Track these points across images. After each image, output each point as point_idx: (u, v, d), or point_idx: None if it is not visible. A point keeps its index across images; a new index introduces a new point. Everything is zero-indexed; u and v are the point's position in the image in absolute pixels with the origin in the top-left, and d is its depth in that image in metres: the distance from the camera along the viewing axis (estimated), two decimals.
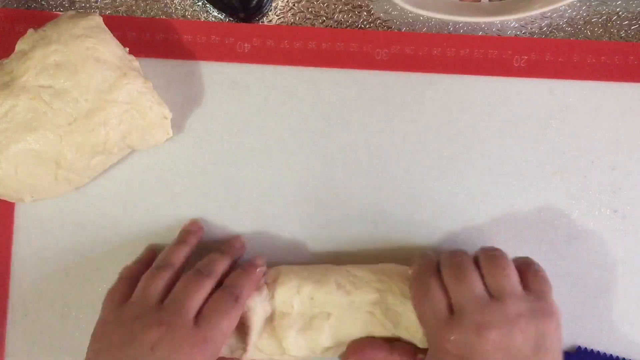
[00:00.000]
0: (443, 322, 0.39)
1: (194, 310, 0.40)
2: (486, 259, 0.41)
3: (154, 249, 0.47)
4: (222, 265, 0.43)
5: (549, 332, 0.38)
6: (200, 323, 0.39)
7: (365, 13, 0.51)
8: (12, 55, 0.44)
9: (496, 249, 0.42)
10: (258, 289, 0.43)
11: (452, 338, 0.38)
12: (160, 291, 0.41)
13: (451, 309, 0.39)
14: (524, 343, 0.37)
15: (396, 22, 0.50)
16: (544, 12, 0.50)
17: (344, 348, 0.43)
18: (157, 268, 0.42)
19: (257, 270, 0.43)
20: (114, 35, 0.46)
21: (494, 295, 0.39)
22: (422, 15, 0.50)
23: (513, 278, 0.40)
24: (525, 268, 0.41)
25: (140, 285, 0.41)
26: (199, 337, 0.38)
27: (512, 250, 0.48)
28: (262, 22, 0.51)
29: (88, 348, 0.40)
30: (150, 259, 0.45)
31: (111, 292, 0.42)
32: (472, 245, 0.48)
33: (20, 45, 0.44)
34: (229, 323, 0.40)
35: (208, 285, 0.41)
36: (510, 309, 0.38)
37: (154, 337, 0.38)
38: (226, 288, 0.41)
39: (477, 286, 0.39)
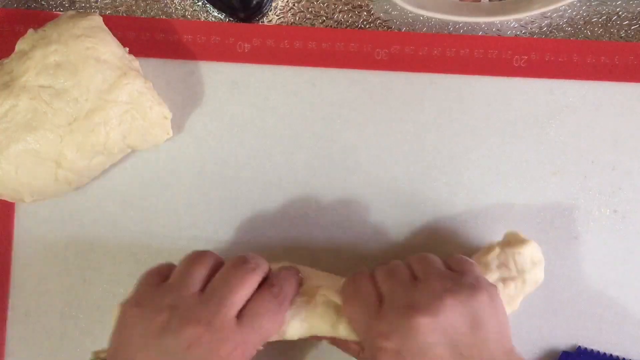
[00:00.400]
0: (373, 315, 0.37)
1: (237, 307, 0.37)
2: (415, 258, 0.40)
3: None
4: (267, 264, 0.40)
5: (481, 306, 0.36)
6: (244, 323, 0.36)
7: (365, 13, 0.51)
8: (12, 55, 0.44)
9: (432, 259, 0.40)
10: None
11: (382, 328, 0.36)
12: (202, 278, 0.37)
13: (381, 302, 0.37)
14: (457, 320, 0.35)
15: (396, 22, 0.50)
16: (544, 12, 0.50)
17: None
18: (200, 253, 0.39)
19: (300, 276, 0.41)
20: (114, 35, 0.46)
21: (419, 278, 0.38)
22: (422, 15, 0.50)
23: (437, 262, 0.39)
24: (449, 259, 0.40)
25: (179, 268, 0.38)
26: (239, 339, 0.36)
27: None
28: (262, 22, 0.51)
29: (114, 331, 0.37)
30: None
31: (149, 273, 0.39)
32: (471, 245, 0.48)
33: (20, 45, 0.44)
34: (272, 327, 0.38)
35: (254, 281, 0.38)
36: (435, 286, 0.36)
37: (192, 335, 0.35)
38: (272, 288, 0.38)
39: (404, 273, 0.38)
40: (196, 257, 0.39)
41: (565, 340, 0.47)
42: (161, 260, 0.47)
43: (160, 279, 0.38)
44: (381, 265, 0.41)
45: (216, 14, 0.51)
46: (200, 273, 0.38)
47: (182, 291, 0.37)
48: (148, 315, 0.36)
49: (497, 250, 0.42)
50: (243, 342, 0.36)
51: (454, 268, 0.39)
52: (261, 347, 0.38)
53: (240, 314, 0.37)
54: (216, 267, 0.39)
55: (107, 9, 0.51)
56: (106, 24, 0.46)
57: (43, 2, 0.51)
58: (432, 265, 0.39)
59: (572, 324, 0.47)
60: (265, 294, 0.38)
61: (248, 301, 0.37)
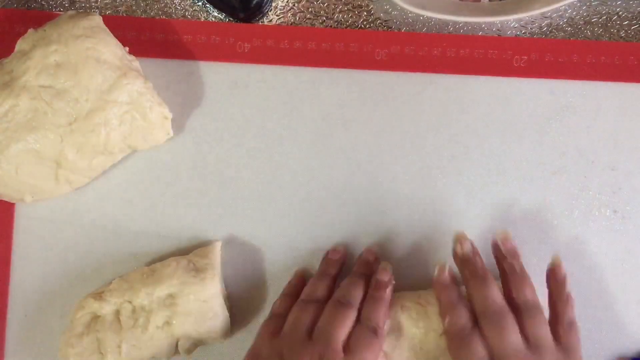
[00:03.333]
0: None
1: (341, 341, 0.41)
2: (524, 308, 0.42)
3: (302, 274, 0.48)
4: (359, 291, 0.44)
5: None
6: (348, 355, 0.41)
7: (365, 13, 0.51)
8: (12, 55, 0.44)
9: (531, 298, 0.42)
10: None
11: None
12: (309, 324, 0.42)
13: None
14: None
15: (396, 22, 0.50)
16: (544, 12, 0.50)
17: None
18: (305, 302, 0.44)
19: (387, 291, 0.44)
20: (114, 35, 0.46)
21: (531, 347, 0.40)
22: (422, 15, 0.50)
23: (547, 330, 0.41)
24: (560, 313, 0.42)
25: (289, 319, 0.43)
26: None
27: None
28: (262, 22, 0.51)
29: None
30: (298, 287, 0.46)
31: (265, 326, 0.44)
32: None
33: (20, 45, 0.44)
34: (372, 356, 0.41)
35: (352, 315, 0.43)
36: None
37: None
38: (364, 322, 0.42)
39: (517, 339, 0.40)
40: (302, 306, 0.44)
41: None
42: (160, 259, 0.47)
43: (275, 330, 0.43)
44: (481, 304, 0.42)
45: (216, 14, 0.51)
46: (307, 319, 0.43)
47: (294, 337, 0.42)
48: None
49: None
50: None
51: (562, 339, 0.41)
52: None
53: (344, 348, 0.41)
54: (320, 311, 0.43)
55: (107, 9, 0.51)
56: (106, 24, 0.46)
57: (43, 2, 0.51)
58: (543, 331, 0.41)
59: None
60: (361, 329, 0.42)
61: (349, 337, 0.42)
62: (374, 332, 0.42)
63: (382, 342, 0.43)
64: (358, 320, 0.43)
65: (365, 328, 0.42)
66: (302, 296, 0.45)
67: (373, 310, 0.43)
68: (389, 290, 0.44)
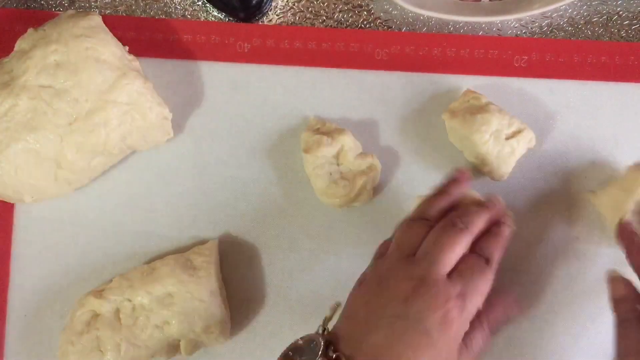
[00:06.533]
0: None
1: (448, 266, 0.37)
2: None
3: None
4: (479, 219, 0.40)
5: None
6: (455, 279, 0.37)
7: (365, 13, 0.50)
8: (12, 55, 0.44)
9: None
10: None
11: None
12: (414, 243, 0.39)
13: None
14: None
15: (396, 22, 0.50)
16: (545, 12, 0.50)
17: None
18: (412, 220, 0.41)
19: (507, 231, 0.41)
20: (113, 35, 0.46)
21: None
22: (422, 15, 0.49)
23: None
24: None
25: (394, 239, 0.40)
26: (453, 291, 0.36)
27: (512, 250, 0.48)
28: (262, 22, 0.51)
29: (347, 300, 0.39)
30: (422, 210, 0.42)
31: (377, 250, 0.42)
32: None
33: (20, 45, 0.44)
34: (484, 283, 0.37)
35: (464, 240, 0.38)
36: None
37: (407, 290, 0.36)
38: (477, 250, 0.39)
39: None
40: (409, 223, 0.40)
41: (567, 340, 0.47)
42: (160, 259, 0.47)
43: (383, 251, 0.41)
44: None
45: (216, 14, 0.51)
46: (412, 238, 0.39)
47: (395, 257, 0.39)
48: (370, 283, 0.39)
49: None
50: (458, 294, 0.36)
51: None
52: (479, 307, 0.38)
53: (451, 273, 0.38)
54: (429, 231, 0.40)
55: (106, 8, 0.51)
56: (106, 24, 0.46)
57: (42, 2, 0.51)
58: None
59: (572, 324, 0.47)
60: (473, 256, 0.38)
61: (458, 262, 0.38)
62: (486, 262, 0.38)
63: (493, 276, 0.38)
64: (472, 251, 0.39)
65: (477, 256, 0.38)
66: (412, 213, 0.41)
67: (491, 243, 0.39)
68: (509, 232, 0.41)
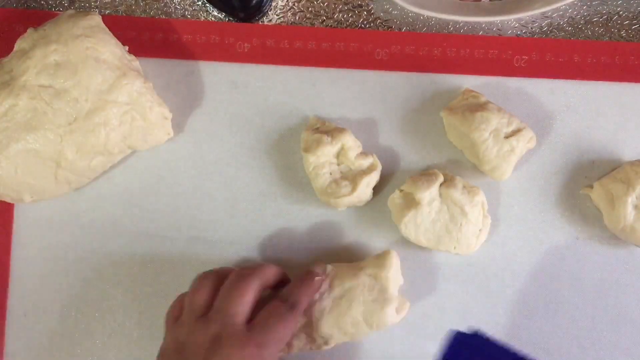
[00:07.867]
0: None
1: (242, 316, 0.38)
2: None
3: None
4: (269, 269, 0.41)
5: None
6: (254, 328, 0.38)
7: (365, 13, 0.50)
8: (12, 54, 0.44)
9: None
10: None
11: None
12: (206, 301, 0.40)
13: None
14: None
15: (396, 22, 0.50)
16: (545, 12, 0.50)
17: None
18: (202, 278, 0.41)
19: (316, 279, 0.42)
20: (113, 35, 0.46)
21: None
22: (422, 15, 0.49)
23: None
24: None
25: (186, 301, 0.41)
26: (251, 341, 0.37)
27: (512, 250, 0.48)
28: (262, 22, 0.51)
29: None
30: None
31: (167, 313, 0.42)
32: None
33: (20, 44, 0.44)
34: (284, 328, 0.38)
35: (253, 286, 0.39)
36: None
37: (205, 350, 0.37)
38: (281, 296, 0.40)
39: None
40: (198, 282, 0.41)
41: (565, 340, 0.47)
42: (160, 259, 0.47)
43: (175, 315, 0.41)
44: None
45: (216, 14, 0.51)
46: (202, 297, 0.40)
47: (191, 319, 0.39)
48: (171, 348, 0.39)
49: None
50: (255, 344, 0.37)
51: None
52: (281, 354, 0.39)
53: (250, 322, 0.38)
54: (219, 285, 0.40)
55: (106, 8, 0.51)
56: (106, 24, 0.46)
57: (42, 2, 0.51)
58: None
59: (572, 324, 0.47)
60: (275, 303, 0.39)
61: (261, 310, 0.39)
62: (291, 306, 0.39)
63: (297, 321, 0.40)
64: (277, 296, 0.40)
65: (281, 301, 0.39)
66: (201, 274, 0.42)
67: (295, 288, 0.40)
68: (317, 280, 0.42)
